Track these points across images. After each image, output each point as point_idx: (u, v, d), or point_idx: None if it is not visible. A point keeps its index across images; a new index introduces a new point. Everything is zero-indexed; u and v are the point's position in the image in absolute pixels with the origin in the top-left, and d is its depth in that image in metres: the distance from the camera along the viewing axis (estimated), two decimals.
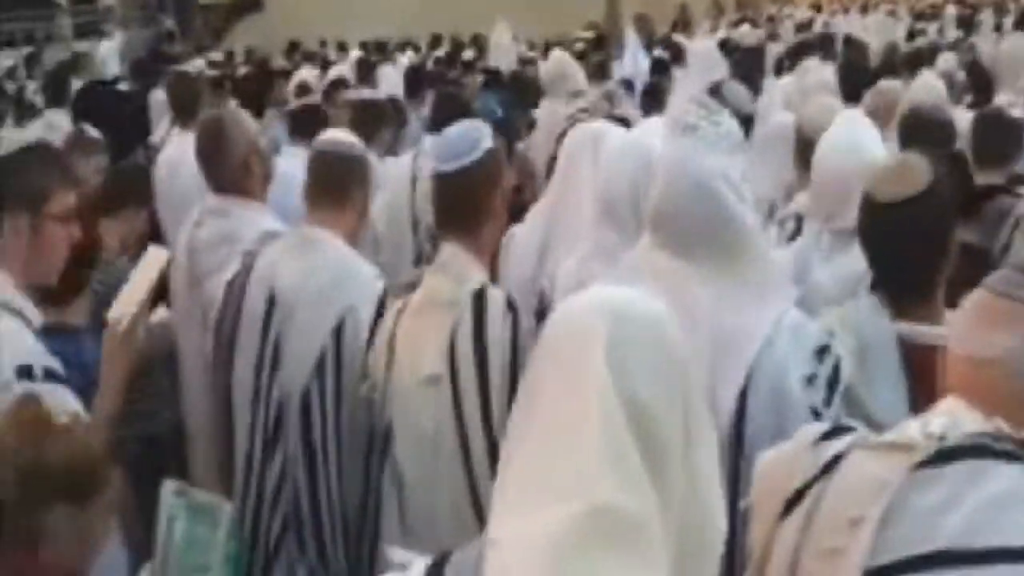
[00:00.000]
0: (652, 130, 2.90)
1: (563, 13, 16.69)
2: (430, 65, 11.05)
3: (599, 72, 8.46)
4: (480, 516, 2.39)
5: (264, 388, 2.95)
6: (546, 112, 6.71)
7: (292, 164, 4.18)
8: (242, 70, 11.07)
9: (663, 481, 1.26)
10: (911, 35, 12.94)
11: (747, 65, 7.68)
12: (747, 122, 3.84)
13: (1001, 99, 5.68)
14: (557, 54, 8.02)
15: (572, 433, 1.25)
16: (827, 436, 1.66)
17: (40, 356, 2.37)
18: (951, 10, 16.08)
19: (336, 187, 3.10)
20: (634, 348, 1.30)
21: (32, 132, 3.38)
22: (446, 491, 2.54)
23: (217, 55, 14.66)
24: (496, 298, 2.60)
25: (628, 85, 8.44)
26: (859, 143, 2.98)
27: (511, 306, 2.59)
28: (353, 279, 2.97)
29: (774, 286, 2.24)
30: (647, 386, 1.28)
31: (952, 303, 1.87)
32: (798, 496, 1.61)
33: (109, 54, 13.39)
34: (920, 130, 3.89)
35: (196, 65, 5.71)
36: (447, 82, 8.39)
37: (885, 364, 2.25)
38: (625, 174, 2.84)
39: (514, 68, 9.77)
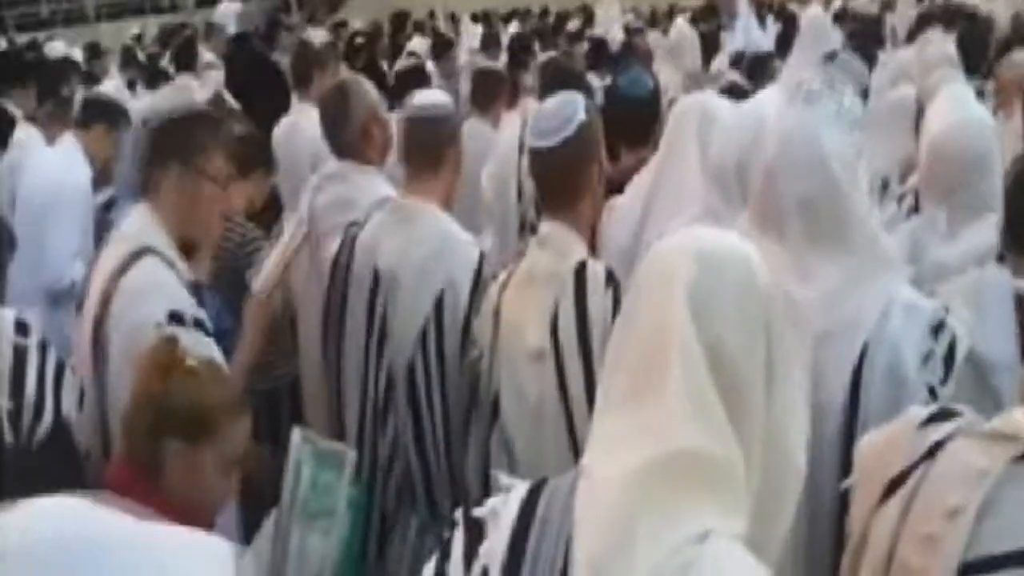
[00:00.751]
0: (766, 100, 2.84)
1: None
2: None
3: (710, 44, 8.31)
4: None
5: (373, 361, 3.04)
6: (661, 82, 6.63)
7: None
8: (356, 40, 11.13)
9: (742, 419, 1.32)
10: None
11: (863, 36, 7.45)
12: (862, 96, 3.74)
13: None
14: (679, 23, 7.90)
15: (657, 376, 1.32)
16: (932, 419, 1.60)
17: (191, 307, 2.53)
18: None
19: (431, 152, 3.12)
20: (717, 291, 1.34)
21: (166, 97, 3.47)
22: (552, 460, 2.53)
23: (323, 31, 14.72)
24: (597, 272, 2.59)
25: (738, 58, 8.26)
26: (971, 117, 2.90)
27: (611, 278, 2.57)
28: (451, 249, 3.00)
29: (885, 266, 2.16)
30: (728, 330, 1.33)
31: None
32: (900, 480, 1.56)
33: (226, 18, 13.54)
34: None
35: (318, 35, 5.68)
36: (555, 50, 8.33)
37: (1002, 319, 2.22)
38: (735, 143, 2.80)
39: (620, 38, 9.66)
